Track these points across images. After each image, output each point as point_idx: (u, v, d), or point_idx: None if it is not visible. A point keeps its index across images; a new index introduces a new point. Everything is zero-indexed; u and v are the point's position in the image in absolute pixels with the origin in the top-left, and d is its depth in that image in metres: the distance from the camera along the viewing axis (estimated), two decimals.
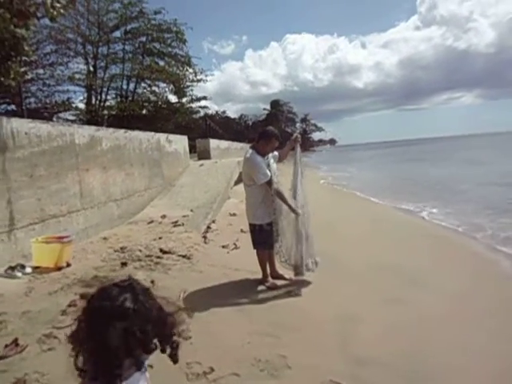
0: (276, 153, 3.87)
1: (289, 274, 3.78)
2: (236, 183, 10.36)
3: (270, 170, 3.50)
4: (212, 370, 2.26)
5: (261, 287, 3.67)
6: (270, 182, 3.45)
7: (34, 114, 15.00)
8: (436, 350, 2.57)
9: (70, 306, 2.97)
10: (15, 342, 2.36)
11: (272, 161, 3.69)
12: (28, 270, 3.73)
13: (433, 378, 2.28)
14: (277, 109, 64.72)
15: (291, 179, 3.76)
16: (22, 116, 8.35)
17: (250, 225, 3.73)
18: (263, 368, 2.31)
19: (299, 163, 3.76)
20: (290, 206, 3.51)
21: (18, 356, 2.29)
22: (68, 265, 3.97)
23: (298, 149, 3.81)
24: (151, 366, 2.25)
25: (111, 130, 6.31)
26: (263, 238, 3.61)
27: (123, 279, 1.01)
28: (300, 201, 3.59)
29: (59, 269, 3.85)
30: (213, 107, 52.37)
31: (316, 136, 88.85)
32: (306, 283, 3.65)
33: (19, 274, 3.60)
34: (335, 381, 2.20)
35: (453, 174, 17.11)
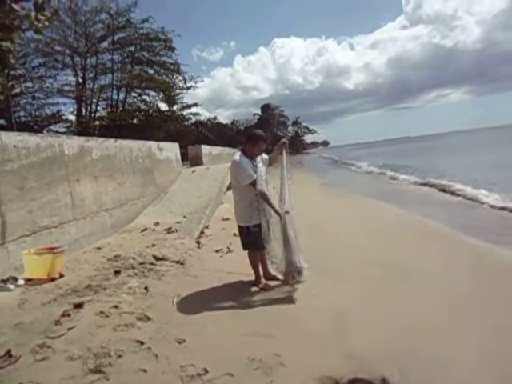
0: (266, 156, 3.90)
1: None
2: (228, 188, 10.39)
3: (256, 172, 3.53)
4: (206, 371, 2.28)
5: (254, 289, 3.69)
6: (254, 184, 3.48)
7: (24, 128, 14.98)
8: (428, 341, 2.61)
9: (63, 315, 2.97)
10: (8, 354, 2.36)
11: (261, 164, 3.73)
12: (21, 282, 3.72)
13: (425, 369, 2.31)
14: (268, 113, 64.93)
15: (279, 183, 3.79)
16: (11, 130, 8.34)
17: (239, 227, 3.76)
18: (257, 367, 2.33)
19: (286, 168, 3.78)
20: (273, 208, 3.52)
21: (12, 367, 2.28)
22: (61, 275, 3.97)
23: (285, 154, 3.83)
24: (145, 371, 2.30)
25: (101, 139, 6.32)
26: (252, 239, 3.64)
27: None
28: (287, 204, 3.61)
29: (52, 280, 3.84)
30: (204, 114, 52.50)
31: (309, 138, 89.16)
32: (297, 282, 3.66)
33: (12, 287, 3.58)
34: (328, 376, 2.23)
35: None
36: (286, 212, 3.55)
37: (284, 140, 3.91)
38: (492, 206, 8.17)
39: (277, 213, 3.53)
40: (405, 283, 3.72)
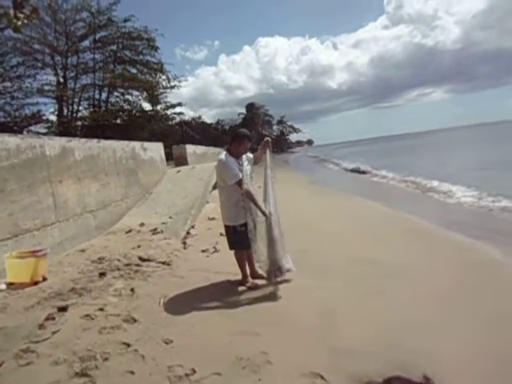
0: (251, 155, 3.91)
1: None
2: (214, 188, 10.36)
3: (242, 171, 3.54)
4: (194, 371, 2.28)
5: (241, 288, 3.70)
6: (240, 183, 3.49)
7: (3, 129, 14.61)
8: (415, 337, 2.66)
9: (47, 319, 2.93)
10: None
11: (246, 163, 3.74)
12: (2, 286, 3.64)
13: (413, 364, 2.35)
14: (253, 112, 64.95)
15: (263, 182, 3.81)
16: None
17: (225, 226, 3.76)
18: (245, 365, 2.34)
19: (269, 167, 3.80)
20: (259, 208, 3.53)
21: None
22: (44, 279, 3.90)
23: (268, 153, 3.85)
24: (132, 372, 2.28)
25: (83, 140, 6.22)
26: (238, 238, 3.65)
27: None
28: (271, 203, 3.63)
29: (35, 283, 3.77)
30: (188, 113, 52.19)
31: (294, 137, 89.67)
32: (284, 281, 3.69)
33: None
34: (315, 372, 2.26)
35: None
36: (269, 213, 3.56)
37: (267, 139, 3.92)
38: (468, 203, 8.42)
39: (263, 212, 3.54)
40: (391, 280, 3.78)
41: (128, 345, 2.58)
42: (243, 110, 66.75)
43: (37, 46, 17.81)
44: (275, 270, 3.59)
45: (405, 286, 3.65)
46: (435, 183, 11.60)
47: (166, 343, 2.62)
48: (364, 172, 19.74)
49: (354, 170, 21.50)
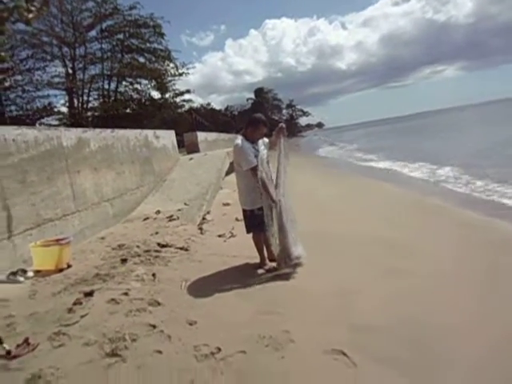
0: (267, 140, 3.91)
1: None
2: (227, 174, 10.43)
3: (257, 157, 3.56)
4: (219, 349, 2.36)
5: (260, 271, 3.77)
6: (254, 169, 3.51)
7: (17, 122, 14.82)
8: (433, 314, 2.71)
9: (75, 304, 3.04)
10: (26, 342, 2.43)
11: (262, 147, 3.75)
12: (30, 274, 3.78)
13: (431, 340, 2.40)
14: (261, 96, 64.43)
15: (276, 169, 3.76)
16: (4, 124, 8.28)
17: (243, 210, 3.81)
18: (268, 343, 2.42)
19: (283, 153, 3.75)
20: (270, 195, 3.52)
21: (31, 354, 2.36)
22: (68, 266, 4.03)
23: (282, 139, 3.79)
24: (160, 352, 2.38)
25: (98, 130, 6.31)
26: (256, 222, 3.68)
27: None
28: (281, 191, 3.62)
29: (60, 270, 3.91)
30: (197, 100, 52.04)
31: (303, 121, 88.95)
32: (298, 264, 3.72)
33: (22, 279, 3.64)
34: (337, 349, 2.32)
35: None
36: (279, 201, 3.56)
37: (282, 125, 3.88)
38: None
39: (272, 200, 3.55)
40: (406, 260, 3.81)
41: (154, 326, 2.67)
42: (252, 95, 66.38)
43: (45, 38, 17.89)
44: (285, 257, 3.62)
45: (420, 263, 3.69)
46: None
47: (191, 324, 2.71)
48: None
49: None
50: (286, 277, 3.56)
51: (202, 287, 3.43)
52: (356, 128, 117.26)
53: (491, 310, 2.75)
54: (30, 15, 4.59)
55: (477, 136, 20.91)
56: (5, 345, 2.34)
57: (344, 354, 2.26)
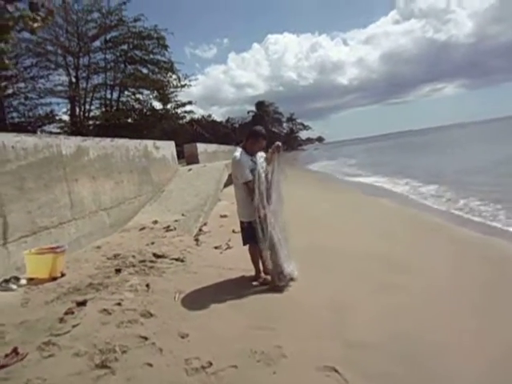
0: (264, 155, 3.89)
1: None
2: (225, 185, 10.44)
3: (256, 170, 3.57)
4: (210, 364, 2.33)
5: (255, 283, 3.75)
6: (247, 184, 3.54)
7: (18, 129, 14.86)
8: (426, 330, 2.70)
9: (67, 313, 3.01)
10: (15, 351, 2.40)
11: (262, 159, 3.75)
12: (23, 281, 3.74)
13: (423, 356, 2.39)
14: (262, 110, 64.93)
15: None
16: (6, 131, 8.31)
17: (241, 222, 3.81)
18: (259, 359, 2.39)
19: (276, 171, 3.70)
20: (257, 210, 3.51)
21: (20, 364, 2.32)
22: (62, 275, 4.00)
23: (277, 156, 3.73)
24: (150, 365, 2.34)
25: (98, 139, 6.33)
26: (252, 234, 3.67)
27: None
28: (271, 208, 3.58)
29: (54, 279, 3.87)
30: (199, 111, 52.37)
31: (304, 135, 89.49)
32: (294, 279, 3.70)
33: (14, 287, 3.61)
34: (329, 365, 2.29)
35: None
36: (266, 216, 3.53)
37: (278, 143, 3.83)
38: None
39: (259, 216, 3.52)
40: (401, 275, 3.80)
41: (145, 338, 2.65)
42: (253, 108, 66.94)
43: (49, 47, 18.08)
44: (278, 274, 3.59)
45: (414, 279, 3.69)
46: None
47: (182, 337, 2.68)
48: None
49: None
50: (281, 290, 3.54)
51: (196, 299, 3.40)
52: (357, 143, 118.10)
53: (485, 326, 2.74)
54: (35, 24, 4.66)
55: (474, 153, 21.03)
56: None
57: (336, 371, 2.24)
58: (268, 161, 3.84)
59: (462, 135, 52.86)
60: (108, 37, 19.89)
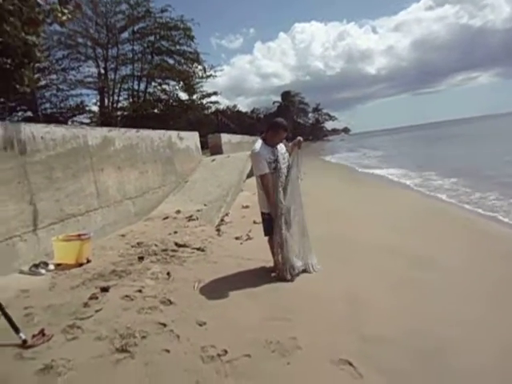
0: (284, 147, 3.89)
1: None
2: (248, 176, 10.47)
3: (276, 161, 3.57)
4: (225, 352, 2.37)
5: (273, 274, 3.76)
6: (262, 177, 3.56)
7: (50, 119, 15.43)
8: (443, 328, 2.63)
9: (91, 298, 3.13)
10: (42, 332, 2.52)
11: (284, 150, 3.75)
12: (51, 267, 3.92)
13: (439, 351, 2.34)
14: (288, 100, 64.33)
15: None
16: (38, 122, 8.63)
17: (262, 213, 3.83)
18: (274, 349, 2.41)
19: (296, 166, 3.71)
20: (270, 204, 3.59)
21: (45, 345, 2.44)
22: (88, 261, 4.15)
23: (298, 151, 3.75)
24: (167, 351, 2.41)
25: (123, 130, 6.48)
26: (273, 225, 3.69)
27: None
28: (287, 204, 3.61)
29: (80, 265, 4.03)
30: (224, 102, 52.52)
31: (329, 125, 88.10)
32: (313, 270, 3.72)
33: (43, 271, 3.79)
34: (344, 359, 2.28)
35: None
36: (281, 213, 3.57)
37: (299, 138, 3.82)
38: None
39: (272, 206, 3.59)
40: (420, 271, 3.72)
41: (164, 325, 2.72)
42: (279, 98, 66.45)
43: (80, 40, 18.56)
44: (288, 268, 3.61)
45: (432, 274, 3.60)
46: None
47: (200, 325, 2.74)
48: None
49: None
50: (299, 282, 3.55)
51: (215, 288, 3.45)
52: (384, 134, 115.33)
53: (502, 323, 2.64)
54: (64, 17, 4.77)
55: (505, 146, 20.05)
56: (21, 334, 2.43)
57: (350, 365, 2.23)
58: (288, 153, 3.85)
59: (497, 127, 50.52)
60: (136, 28, 20.20)
